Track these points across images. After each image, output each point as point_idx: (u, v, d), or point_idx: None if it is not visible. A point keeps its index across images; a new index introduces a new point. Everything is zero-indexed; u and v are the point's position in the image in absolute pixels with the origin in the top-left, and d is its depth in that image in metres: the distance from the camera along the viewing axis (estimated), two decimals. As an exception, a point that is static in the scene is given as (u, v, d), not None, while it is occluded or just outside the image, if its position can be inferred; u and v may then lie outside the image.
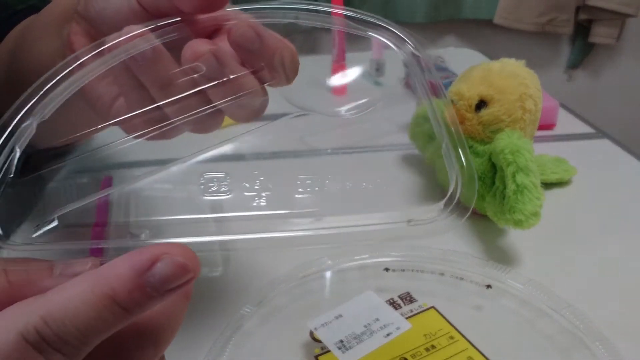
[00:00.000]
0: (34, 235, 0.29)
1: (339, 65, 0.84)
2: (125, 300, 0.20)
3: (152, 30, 0.29)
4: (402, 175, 0.60)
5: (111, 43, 0.29)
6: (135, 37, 0.29)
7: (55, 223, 0.30)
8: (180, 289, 0.21)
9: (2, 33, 0.49)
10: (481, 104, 0.47)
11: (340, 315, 0.37)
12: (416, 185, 0.58)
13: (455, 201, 0.31)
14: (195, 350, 0.37)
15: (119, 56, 0.29)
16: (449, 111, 0.31)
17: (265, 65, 0.31)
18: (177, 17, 0.30)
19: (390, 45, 0.33)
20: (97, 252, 0.29)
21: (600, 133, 0.69)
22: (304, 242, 0.30)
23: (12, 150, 0.26)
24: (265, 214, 0.34)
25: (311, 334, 0.36)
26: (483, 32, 1.91)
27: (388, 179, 0.60)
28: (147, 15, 0.31)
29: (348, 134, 0.74)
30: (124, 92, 0.33)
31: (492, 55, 0.84)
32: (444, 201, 0.31)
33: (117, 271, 0.20)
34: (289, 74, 0.32)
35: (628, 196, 0.55)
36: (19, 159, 0.26)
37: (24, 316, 0.19)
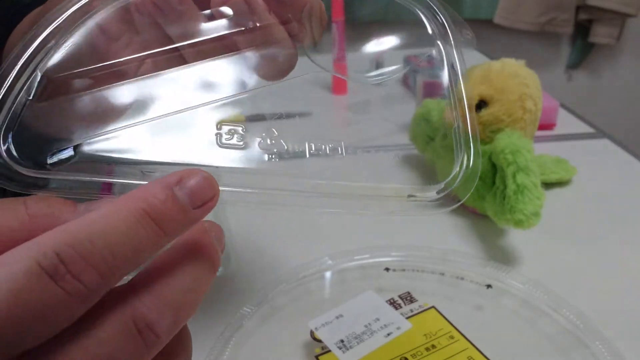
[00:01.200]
0: (49, 162, 0.28)
1: (340, 65, 0.84)
2: (159, 212, 0.19)
3: None
4: (402, 175, 0.60)
5: None
6: None
7: (71, 152, 0.29)
8: (207, 207, 0.20)
9: (10, 28, 0.48)
10: (481, 104, 0.47)
11: (341, 315, 0.37)
12: (416, 185, 0.58)
13: (449, 192, 0.31)
14: (196, 350, 0.37)
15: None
16: (470, 105, 0.30)
17: (293, 17, 0.30)
18: None
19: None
20: (110, 188, 0.28)
21: (600, 133, 0.69)
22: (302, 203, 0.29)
23: (33, 72, 0.25)
24: (274, 170, 0.33)
25: (312, 333, 0.36)
26: (483, 32, 1.90)
27: (388, 178, 0.59)
28: None
29: (348, 134, 0.74)
30: (150, 49, 0.31)
31: (492, 55, 0.84)
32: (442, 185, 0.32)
33: (148, 189, 0.19)
34: (316, 28, 0.31)
35: (628, 196, 0.55)
36: (39, 82, 0.25)
37: (42, 241, 0.17)
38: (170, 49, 0.30)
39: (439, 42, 0.33)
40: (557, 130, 0.70)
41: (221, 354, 0.36)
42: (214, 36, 0.29)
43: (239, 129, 0.33)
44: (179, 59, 0.30)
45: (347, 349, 0.34)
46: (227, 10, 0.28)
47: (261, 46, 0.30)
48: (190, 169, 0.20)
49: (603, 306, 0.40)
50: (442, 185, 0.31)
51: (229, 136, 0.33)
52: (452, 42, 0.33)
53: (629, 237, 0.49)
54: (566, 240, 0.48)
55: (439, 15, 0.34)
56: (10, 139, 0.25)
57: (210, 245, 0.21)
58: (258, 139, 0.34)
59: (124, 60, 0.30)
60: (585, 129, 0.71)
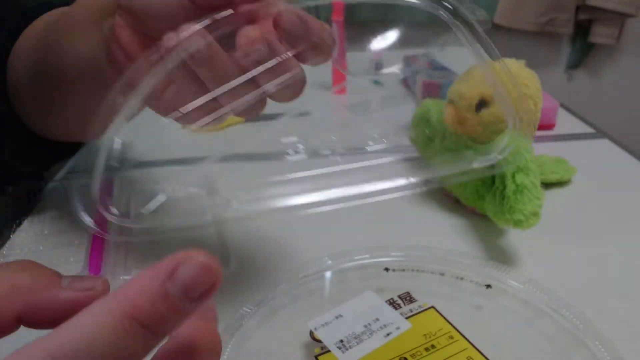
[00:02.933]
0: (145, 212, 0.29)
1: (339, 65, 0.84)
2: (149, 316, 0.17)
3: (207, 26, 0.31)
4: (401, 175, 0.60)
5: (171, 44, 0.31)
6: (193, 35, 0.31)
7: (163, 197, 0.31)
8: (206, 297, 0.18)
9: (15, 31, 0.49)
10: (481, 104, 0.47)
11: (340, 315, 0.37)
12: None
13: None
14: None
15: (178, 56, 0.31)
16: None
17: (306, 46, 0.33)
18: (226, 9, 0.32)
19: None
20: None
21: (600, 133, 0.69)
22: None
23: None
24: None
25: (311, 333, 0.36)
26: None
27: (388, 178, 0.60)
28: (193, 6, 0.33)
29: (348, 134, 0.74)
30: (178, 85, 0.35)
31: (492, 55, 0.84)
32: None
33: (136, 286, 0.18)
34: (328, 52, 0.34)
35: (628, 196, 0.55)
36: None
37: (32, 353, 0.16)
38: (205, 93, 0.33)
39: (455, 26, 0.35)
40: (556, 130, 0.70)
41: (221, 353, 0.36)
42: (242, 81, 0.33)
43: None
44: (214, 102, 0.33)
45: (347, 349, 0.34)
46: (251, 51, 0.31)
47: (277, 77, 0.33)
48: (185, 255, 0.18)
49: (603, 306, 0.40)
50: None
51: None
52: (468, 22, 0.34)
53: (628, 237, 0.49)
54: (566, 240, 0.48)
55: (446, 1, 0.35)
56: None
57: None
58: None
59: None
60: (585, 129, 0.71)
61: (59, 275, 0.21)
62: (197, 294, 0.18)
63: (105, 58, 0.38)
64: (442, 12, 0.35)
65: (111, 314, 0.17)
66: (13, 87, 0.49)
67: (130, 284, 0.18)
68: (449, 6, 0.34)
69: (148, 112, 0.40)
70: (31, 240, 0.51)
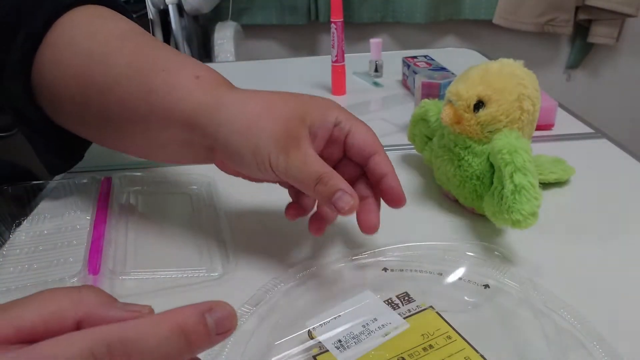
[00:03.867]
0: None
1: (339, 66, 0.84)
2: (191, 331, 0.23)
3: None
4: (401, 175, 0.60)
5: None
6: None
7: None
8: (226, 335, 0.25)
9: (39, 35, 0.47)
10: (479, 104, 0.47)
11: (339, 315, 0.37)
12: (415, 185, 0.58)
13: None
14: (194, 350, 0.37)
15: None
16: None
17: None
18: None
19: None
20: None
21: (599, 133, 0.69)
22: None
23: None
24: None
25: (309, 333, 0.36)
26: (482, 33, 1.91)
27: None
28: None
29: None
30: None
31: (492, 56, 0.84)
32: None
33: (183, 310, 0.24)
34: None
35: (627, 196, 0.55)
36: None
37: (97, 333, 0.22)
38: None
39: None
40: (555, 131, 0.70)
41: (220, 353, 0.36)
42: None
43: None
44: None
45: (345, 349, 0.34)
46: None
47: None
48: (220, 302, 0.25)
49: (601, 306, 0.40)
50: None
51: None
52: None
53: (627, 237, 0.49)
54: (564, 240, 0.48)
55: None
56: None
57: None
58: None
59: None
60: (583, 129, 0.71)
61: (115, 299, 0.26)
62: (223, 329, 0.24)
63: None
64: None
65: (165, 323, 0.23)
66: (52, 101, 0.49)
67: (177, 309, 0.24)
68: None
69: None
70: (31, 240, 0.51)
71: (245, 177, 0.44)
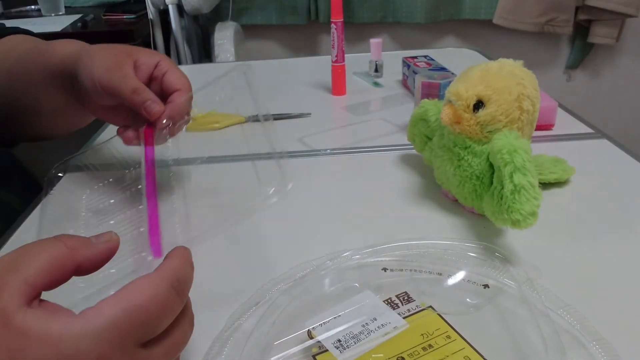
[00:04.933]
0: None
1: (339, 66, 0.84)
2: (183, 284, 0.32)
3: None
4: (401, 175, 0.60)
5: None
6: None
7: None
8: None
9: None
10: (479, 104, 0.47)
11: (338, 315, 0.37)
12: (415, 185, 0.58)
13: None
14: (195, 349, 0.37)
15: None
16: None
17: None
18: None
19: None
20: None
21: (598, 133, 0.69)
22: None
23: None
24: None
25: (309, 333, 0.36)
26: (482, 32, 1.91)
27: (387, 178, 0.60)
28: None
29: (347, 134, 0.74)
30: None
31: (492, 56, 0.84)
32: None
33: (173, 262, 0.32)
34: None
35: (626, 196, 0.55)
36: None
37: (166, 272, 0.30)
38: None
39: None
40: (555, 131, 0.70)
41: (220, 353, 0.36)
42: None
43: None
44: None
45: (345, 349, 0.34)
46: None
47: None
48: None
49: (600, 306, 0.40)
50: None
51: None
52: None
53: (626, 237, 0.49)
54: (564, 240, 0.48)
55: None
56: None
57: None
58: None
59: None
60: (583, 129, 0.71)
61: (85, 237, 0.31)
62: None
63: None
64: None
65: (188, 262, 0.33)
66: None
67: (167, 261, 0.32)
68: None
69: None
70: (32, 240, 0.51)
71: (98, 110, 0.56)
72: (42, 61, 0.57)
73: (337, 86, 0.86)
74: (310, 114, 0.78)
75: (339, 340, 0.35)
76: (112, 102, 0.52)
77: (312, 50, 1.98)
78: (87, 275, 0.32)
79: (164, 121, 0.51)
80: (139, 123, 0.52)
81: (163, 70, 0.53)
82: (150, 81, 0.53)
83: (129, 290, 0.29)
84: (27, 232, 0.53)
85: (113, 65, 0.51)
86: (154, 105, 0.50)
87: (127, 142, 0.52)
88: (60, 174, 0.49)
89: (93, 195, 0.53)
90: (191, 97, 0.53)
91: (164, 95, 0.53)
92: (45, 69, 0.56)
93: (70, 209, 0.50)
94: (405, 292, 0.40)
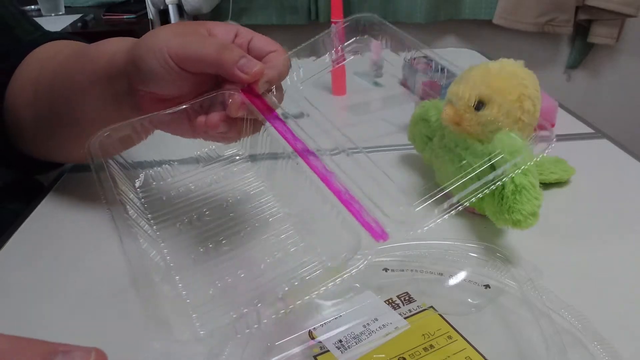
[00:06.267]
0: None
1: (339, 66, 0.84)
2: None
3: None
4: (401, 175, 0.60)
5: None
6: None
7: None
8: None
9: (16, 64, 0.56)
10: (480, 105, 0.47)
11: (339, 315, 0.37)
12: (415, 185, 0.58)
13: None
14: (195, 349, 0.37)
15: None
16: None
17: None
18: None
19: None
20: None
21: (599, 133, 0.69)
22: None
23: None
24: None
25: (310, 333, 0.36)
26: (482, 33, 1.91)
27: (387, 178, 0.60)
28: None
29: (347, 134, 0.74)
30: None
31: (492, 56, 0.84)
32: None
33: None
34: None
35: (627, 196, 0.55)
36: None
37: None
38: None
39: None
40: (556, 131, 0.70)
41: (220, 353, 0.36)
42: None
43: None
44: None
45: (346, 349, 0.34)
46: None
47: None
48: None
49: (601, 306, 0.40)
50: None
51: None
52: None
53: (627, 237, 0.49)
54: (564, 240, 0.48)
55: None
56: None
57: None
58: None
59: None
60: (584, 129, 0.71)
61: None
62: None
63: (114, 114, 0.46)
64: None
65: None
66: (10, 119, 0.56)
67: None
68: None
69: None
70: (33, 239, 0.51)
71: (160, 99, 0.43)
72: (86, 64, 0.48)
73: (337, 86, 0.85)
74: (310, 114, 0.78)
75: (340, 341, 0.35)
76: (185, 86, 0.42)
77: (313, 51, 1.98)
78: None
79: (264, 84, 0.41)
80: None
81: (247, 38, 0.44)
82: None
83: None
84: (26, 232, 0.53)
85: (184, 31, 0.41)
86: (251, 63, 0.40)
87: (235, 111, 0.42)
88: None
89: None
90: (289, 60, 0.45)
91: None
92: (91, 73, 0.47)
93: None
94: (407, 293, 0.40)
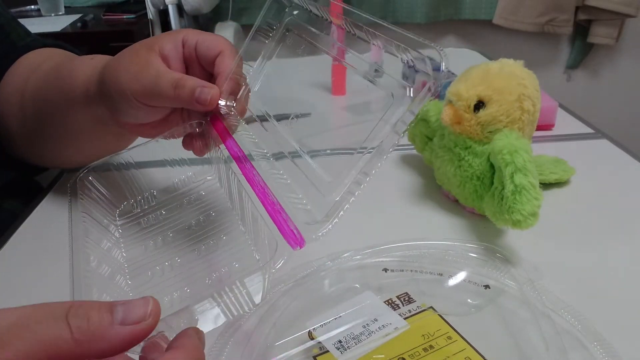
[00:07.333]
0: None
1: (339, 66, 0.84)
2: None
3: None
4: (401, 175, 0.60)
5: None
6: None
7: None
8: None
9: (4, 67, 0.57)
10: (479, 105, 0.47)
11: (339, 316, 0.37)
12: (415, 185, 0.58)
13: None
14: (194, 350, 0.37)
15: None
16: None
17: None
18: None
19: None
20: None
21: (599, 133, 0.69)
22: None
23: None
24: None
25: (310, 334, 0.36)
26: (482, 33, 1.91)
27: (388, 178, 0.60)
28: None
29: (347, 134, 0.74)
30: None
31: (492, 56, 0.84)
32: None
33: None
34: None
35: (627, 196, 0.55)
36: None
37: (196, 356, 0.28)
38: None
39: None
40: (556, 131, 0.70)
41: (220, 353, 0.36)
42: None
43: None
44: None
45: (345, 350, 0.34)
46: None
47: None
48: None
49: (601, 307, 0.40)
50: None
51: None
52: None
53: (627, 237, 0.49)
54: (564, 240, 0.48)
55: None
56: None
57: None
58: None
59: None
60: (584, 129, 0.71)
61: (112, 309, 0.25)
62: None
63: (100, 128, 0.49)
64: None
65: None
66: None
67: (189, 340, 0.28)
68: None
69: None
70: (32, 239, 0.51)
71: (145, 130, 0.47)
72: (63, 87, 0.49)
73: (337, 86, 0.85)
74: (310, 114, 0.78)
75: (340, 341, 0.35)
76: (158, 114, 0.45)
77: (312, 50, 1.97)
78: None
79: (225, 103, 0.42)
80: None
81: (192, 43, 0.45)
82: (186, 66, 0.45)
83: None
84: (25, 233, 0.53)
85: (138, 68, 0.42)
86: (206, 90, 0.41)
87: (200, 152, 0.45)
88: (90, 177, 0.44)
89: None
90: (241, 59, 0.45)
91: (208, 72, 0.45)
92: (69, 98, 0.48)
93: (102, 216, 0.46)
94: (406, 293, 0.40)
